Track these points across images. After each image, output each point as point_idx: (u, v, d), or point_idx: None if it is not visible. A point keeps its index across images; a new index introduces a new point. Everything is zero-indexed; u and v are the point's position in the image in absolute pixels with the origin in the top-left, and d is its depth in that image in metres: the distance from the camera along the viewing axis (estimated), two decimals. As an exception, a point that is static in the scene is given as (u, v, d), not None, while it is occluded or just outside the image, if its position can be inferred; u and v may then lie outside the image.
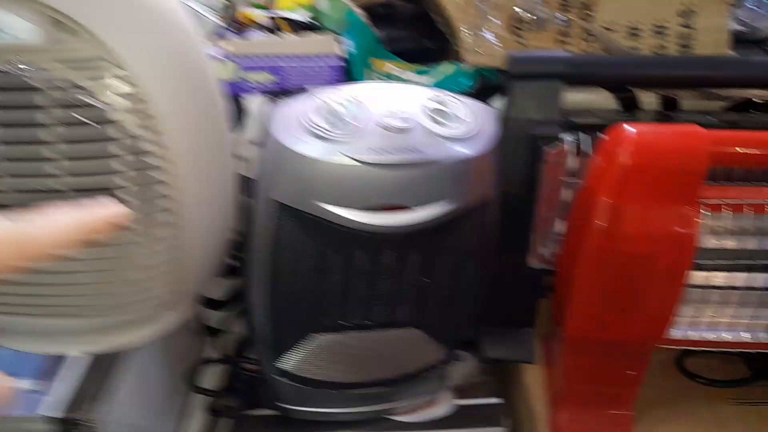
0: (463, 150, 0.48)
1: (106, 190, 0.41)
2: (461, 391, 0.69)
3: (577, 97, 0.61)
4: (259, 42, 0.61)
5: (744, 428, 0.59)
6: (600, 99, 0.61)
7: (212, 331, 0.76)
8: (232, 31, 0.68)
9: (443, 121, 0.48)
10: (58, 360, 0.51)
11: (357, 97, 0.48)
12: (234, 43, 0.59)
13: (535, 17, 0.58)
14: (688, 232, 0.47)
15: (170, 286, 0.49)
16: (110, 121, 0.40)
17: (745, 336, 0.53)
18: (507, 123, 0.56)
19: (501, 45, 0.57)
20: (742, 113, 0.60)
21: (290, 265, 0.52)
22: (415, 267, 0.56)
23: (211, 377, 0.74)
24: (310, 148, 0.46)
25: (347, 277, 0.55)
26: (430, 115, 0.48)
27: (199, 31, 0.45)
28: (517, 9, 0.57)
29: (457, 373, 0.71)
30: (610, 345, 0.53)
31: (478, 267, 0.57)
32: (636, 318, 0.51)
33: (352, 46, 0.61)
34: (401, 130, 0.47)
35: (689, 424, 0.60)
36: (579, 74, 0.54)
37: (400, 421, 0.66)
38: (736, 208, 0.48)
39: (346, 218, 0.48)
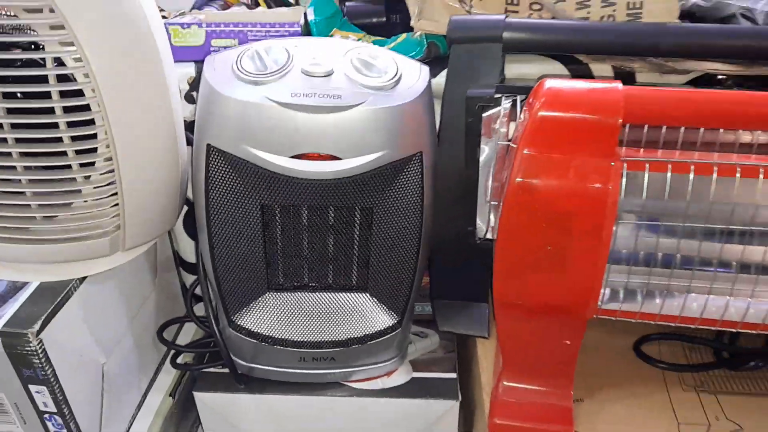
0: (385, 99, 0.49)
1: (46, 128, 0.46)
2: (421, 365, 0.69)
3: (527, 69, 0.61)
4: (227, 12, 0.65)
5: (692, 413, 0.56)
6: (554, 69, 0.61)
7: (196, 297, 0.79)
8: (216, 7, 0.73)
9: (367, 71, 0.50)
10: (16, 286, 0.56)
11: (287, 47, 0.51)
12: (206, 12, 0.63)
13: (484, -14, 0.59)
14: (606, 187, 0.46)
15: (113, 220, 0.53)
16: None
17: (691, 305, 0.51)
18: (448, 87, 0.57)
19: (446, 12, 0.58)
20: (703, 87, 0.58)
21: (227, 215, 0.55)
22: (353, 222, 0.57)
23: (186, 336, 0.77)
24: (237, 91, 0.49)
25: (285, 229, 0.57)
26: (355, 66, 0.50)
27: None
28: (466, -23, 0.59)
29: (418, 347, 0.71)
30: (540, 310, 0.52)
31: (420, 228, 0.57)
32: (561, 280, 0.49)
33: (316, 18, 0.64)
34: (322, 76, 0.49)
35: (637, 405, 0.57)
36: (517, 39, 0.55)
37: (356, 388, 0.67)
38: (659, 167, 0.46)
39: (274, 163, 0.50)
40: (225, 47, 0.63)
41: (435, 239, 0.62)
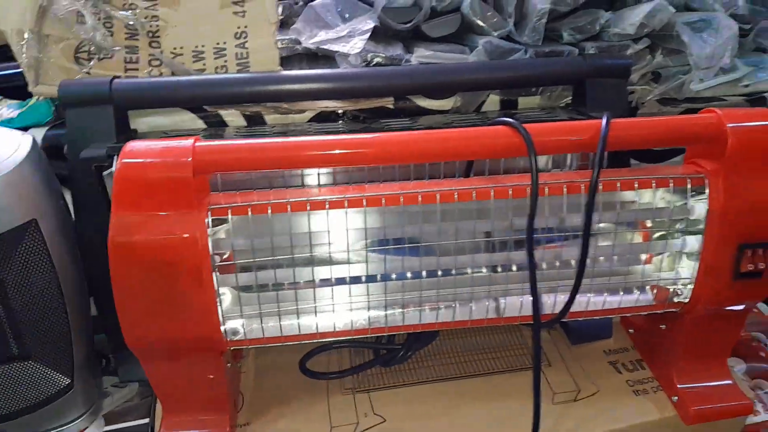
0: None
1: None
2: (116, 416, 0.70)
3: (160, 121, 0.64)
4: None
5: (345, 415, 0.63)
6: (185, 120, 0.64)
7: None
8: None
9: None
10: None
11: None
12: None
13: (100, 47, 0.61)
14: (194, 235, 0.50)
15: None
16: None
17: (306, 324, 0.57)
18: (69, 149, 0.59)
19: (64, 75, 0.60)
20: (327, 122, 0.66)
21: None
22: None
23: None
24: None
25: None
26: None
27: None
28: (80, 39, 0.60)
29: (115, 399, 0.72)
30: (173, 353, 0.55)
31: (59, 289, 0.58)
32: (180, 323, 0.53)
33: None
34: None
35: (298, 419, 0.63)
36: (127, 99, 0.58)
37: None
38: (242, 210, 0.51)
39: None
40: None
41: (103, 294, 0.63)
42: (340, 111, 0.66)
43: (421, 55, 0.65)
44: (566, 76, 0.64)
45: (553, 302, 0.59)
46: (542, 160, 0.67)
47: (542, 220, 0.55)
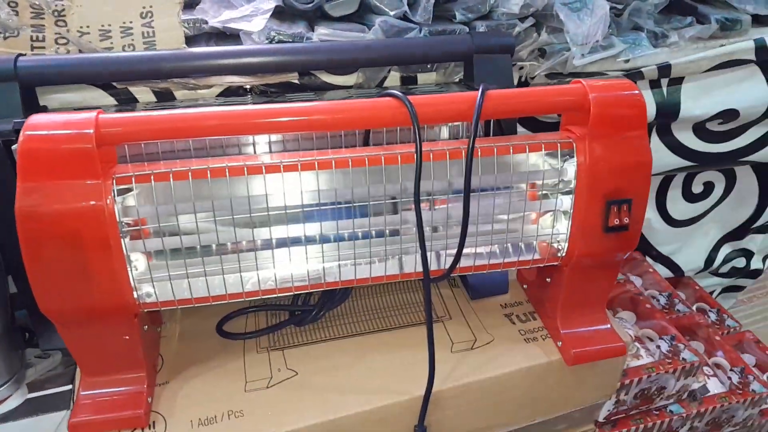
0: None
1: None
2: (39, 385, 0.72)
3: (71, 97, 0.66)
4: None
5: (259, 371, 0.67)
6: (96, 96, 0.67)
7: None
8: None
9: None
10: None
11: None
12: None
13: (5, 26, 0.62)
14: (100, 204, 0.53)
15: None
16: None
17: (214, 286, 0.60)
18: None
19: (-32, 55, 0.62)
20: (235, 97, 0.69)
21: None
22: None
23: None
24: None
25: None
26: None
27: None
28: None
29: (38, 369, 0.74)
30: (86, 317, 0.58)
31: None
32: (92, 289, 0.56)
33: None
34: None
35: (214, 376, 0.67)
36: (33, 76, 0.60)
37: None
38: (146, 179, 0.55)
39: None
40: None
41: (19, 269, 0.65)
42: (247, 86, 0.70)
43: (321, 33, 0.69)
44: (455, 53, 0.69)
45: (445, 259, 0.65)
46: (443, 132, 0.73)
47: (429, 184, 0.61)
